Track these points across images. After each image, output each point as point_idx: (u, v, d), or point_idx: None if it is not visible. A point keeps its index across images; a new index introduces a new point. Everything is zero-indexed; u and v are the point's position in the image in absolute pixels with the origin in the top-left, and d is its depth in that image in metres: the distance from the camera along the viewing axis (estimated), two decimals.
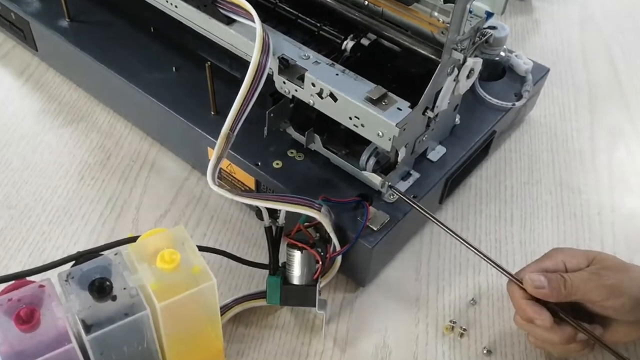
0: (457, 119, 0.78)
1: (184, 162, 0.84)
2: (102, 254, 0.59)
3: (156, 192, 0.81)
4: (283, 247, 0.67)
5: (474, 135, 0.79)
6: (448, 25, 0.63)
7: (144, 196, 0.81)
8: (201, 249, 0.64)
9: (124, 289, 0.56)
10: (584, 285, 0.61)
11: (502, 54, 0.86)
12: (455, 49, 0.64)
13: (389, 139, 0.63)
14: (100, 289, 0.55)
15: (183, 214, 0.79)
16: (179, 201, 0.80)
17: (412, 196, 0.71)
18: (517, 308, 0.63)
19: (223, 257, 0.71)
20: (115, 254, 0.58)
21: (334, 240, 0.66)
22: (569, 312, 0.62)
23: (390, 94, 0.64)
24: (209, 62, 0.74)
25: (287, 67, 0.67)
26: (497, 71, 0.86)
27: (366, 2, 0.71)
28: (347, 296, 0.72)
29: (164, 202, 0.80)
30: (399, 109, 0.63)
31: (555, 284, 0.61)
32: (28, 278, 0.59)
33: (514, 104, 0.82)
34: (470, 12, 0.64)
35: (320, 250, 0.66)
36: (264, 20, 0.67)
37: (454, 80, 0.66)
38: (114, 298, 0.55)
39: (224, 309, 0.67)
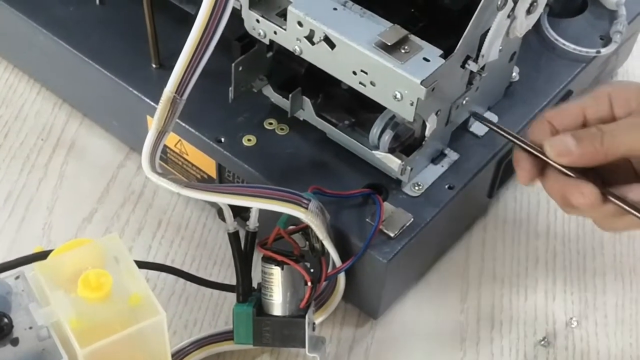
0: (514, 75, 0.78)
1: (117, 140, 0.85)
2: None
3: (77, 186, 0.81)
4: (258, 262, 0.67)
5: (540, 98, 0.78)
6: None
7: (59, 191, 0.81)
8: (144, 266, 0.64)
9: (30, 328, 0.56)
10: (630, 135, 0.60)
11: None
12: None
13: (412, 104, 0.63)
14: None
15: (117, 217, 0.79)
16: (111, 199, 0.81)
17: (446, 187, 0.71)
18: (547, 191, 0.64)
19: (176, 278, 0.70)
20: (17, 278, 0.58)
21: (331, 251, 0.66)
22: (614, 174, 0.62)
23: (413, 37, 0.64)
24: None
25: None
26: (574, 3, 0.86)
27: None
28: (359, 334, 0.72)
29: (89, 199, 0.80)
30: (425, 59, 0.63)
31: (587, 143, 0.60)
32: None
33: (598, 52, 0.82)
34: None
35: (310, 265, 0.66)
36: None
37: (509, 15, 0.66)
38: (15, 342, 0.55)
39: (179, 356, 0.68)
